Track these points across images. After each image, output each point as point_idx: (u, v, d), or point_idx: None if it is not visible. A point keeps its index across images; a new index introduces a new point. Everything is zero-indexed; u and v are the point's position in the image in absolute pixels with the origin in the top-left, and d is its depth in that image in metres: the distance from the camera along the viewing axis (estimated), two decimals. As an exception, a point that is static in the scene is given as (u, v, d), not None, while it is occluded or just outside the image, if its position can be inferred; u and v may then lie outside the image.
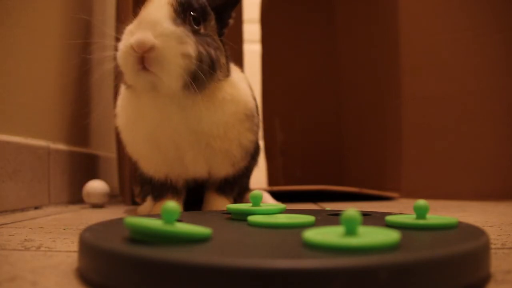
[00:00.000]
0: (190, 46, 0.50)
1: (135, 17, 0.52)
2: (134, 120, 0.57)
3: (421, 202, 0.34)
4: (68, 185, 0.88)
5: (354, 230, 0.26)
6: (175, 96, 0.53)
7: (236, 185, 0.64)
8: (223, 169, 0.60)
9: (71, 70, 0.97)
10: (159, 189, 0.61)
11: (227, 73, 0.57)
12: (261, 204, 0.42)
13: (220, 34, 0.58)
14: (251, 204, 0.43)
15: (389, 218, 0.35)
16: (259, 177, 1.02)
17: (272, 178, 1.25)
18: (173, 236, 0.27)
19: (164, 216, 0.28)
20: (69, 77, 0.96)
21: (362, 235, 0.26)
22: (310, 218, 0.36)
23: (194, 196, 0.64)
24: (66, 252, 0.36)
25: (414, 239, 0.29)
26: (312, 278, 0.21)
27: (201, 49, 0.51)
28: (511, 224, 0.53)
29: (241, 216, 0.40)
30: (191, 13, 0.52)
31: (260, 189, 0.85)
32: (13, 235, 0.46)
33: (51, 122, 0.87)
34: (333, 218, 0.40)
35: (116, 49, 0.52)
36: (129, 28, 0.51)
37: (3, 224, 0.55)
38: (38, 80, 0.83)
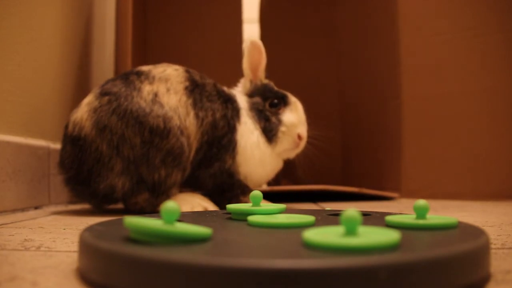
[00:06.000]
0: None
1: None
2: None
3: (421, 202, 0.34)
4: (68, 185, 0.88)
5: (354, 230, 0.26)
6: None
7: None
8: None
9: (71, 70, 0.97)
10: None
11: None
12: (261, 204, 0.43)
13: None
14: (251, 204, 0.43)
15: (389, 218, 0.35)
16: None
17: (272, 178, 1.25)
18: (173, 236, 0.27)
19: (164, 216, 0.28)
20: (69, 77, 0.96)
21: (362, 235, 0.26)
22: (310, 218, 0.36)
23: None
24: (66, 252, 0.36)
25: (414, 239, 0.29)
26: (312, 278, 0.21)
27: None
28: (511, 224, 0.53)
29: (241, 216, 0.40)
30: None
31: (260, 189, 0.85)
32: (13, 235, 0.46)
33: (51, 122, 0.87)
34: (333, 218, 0.40)
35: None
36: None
37: (3, 224, 0.56)
38: (38, 80, 0.83)
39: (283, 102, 0.77)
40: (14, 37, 0.75)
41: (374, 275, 0.21)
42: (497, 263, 0.31)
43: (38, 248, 0.38)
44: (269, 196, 0.90)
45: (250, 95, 0.78)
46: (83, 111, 0.66)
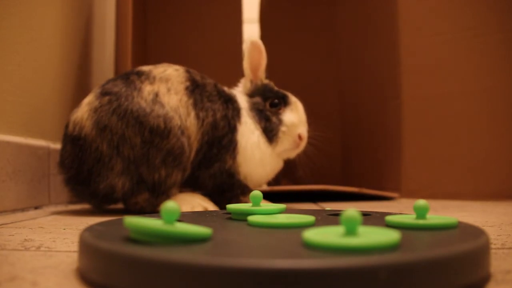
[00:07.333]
0: None
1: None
2: None
3: (421, 202, 0.34)
4: (68, 185, 0.88)
5: (354, 230, 0.26)
6: None
7: None
8: None
9: (71, 69, 0.97)
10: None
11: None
12: (261, 204, 0.43)
13: None
14: (251, 204, 0.43)
15: (389, 218, 0.35)
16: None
17: (272, 178, 1.26)
18: (173, 236, 0.27)
19: (164, 216, 0.28)
20: (69, 77, 0.96)
21: (362, 235, 0.26)
22: (310, 218, 0.36)
23: None
24: (66, 252, 0.36)
25: (414, 239, 0.29)
26: (312, 278, 0.21)
27: None
28: (511, 224, 0.53)
29: (241, 216, 0.40)
30: None
31: (260, 189, 0.85)
32: (13, 235, 0.46)
33: (51, 122, 0.87)
34: (333, 218, 0.40)
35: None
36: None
37: (3, 224, 0.56)
38: (38, 80, 0.83)
39: (284, 102, 0.77)
40: (14, 37, 0.75)
41: (374, 275, 0.21)
42: (497, 263, 0.31)
43: (38, 248, 0.38)
44: (269, 196, 0.90)
45: (251, 95, 0.78)
46: (84, 111, 0.66)
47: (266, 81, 0.79)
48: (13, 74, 0.74)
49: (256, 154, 0.74)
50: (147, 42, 1.24)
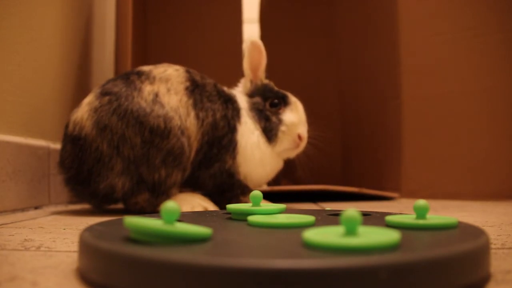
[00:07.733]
0: None
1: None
2: None
3: (421, 202, 0.34)
4: (68, 185, 0.88)
5: (354, 230, 0.26)
6: None
7: None
8: None
9: (71, 69, 0.97)
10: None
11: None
12: (261, 204, 0.43)
13: None
14: (251, 204, 0.43)
15: (389, 218, 0.35)
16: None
17: (272, 178, 1.26)
18: (173, 236, 0.27)
19: (164, 216, 0.28)
20: (69, 77, 0.96)
21: (362, 235, 0.26)
22: (310, 218, 0.36)
23: None
24: (66, 252, 0.36)
25: (414, 239, 0.29)
26: (312, 278, 0.21)
27: None
28: (511, 224, 0.53)
29: (241, 216, 0.40)
30: None
31: (260, 189, 0.85)
32: (13, 235, 0.46)
33: (51, 122, 0.87)
34: (333, 218, 0.40)
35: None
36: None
37: (3, 224, 0.56)
38: (38, 80, 0.83)
39: (284, 102, 0.77)
40: (14, 37, 0.75)
41: (374, 275, 0.21)
42: (497, 263, 0.31)
43: (38, 248, 0.38)
44: (269, 196, 0.90)
45: (251, 95, 0.78)
46: (84, 111, 0.66)
47: (266, 81, 0.79)
48: (13, 74, 0.74)
49: (256, 154, 0.74)
50: (147, 42, 1.24)
